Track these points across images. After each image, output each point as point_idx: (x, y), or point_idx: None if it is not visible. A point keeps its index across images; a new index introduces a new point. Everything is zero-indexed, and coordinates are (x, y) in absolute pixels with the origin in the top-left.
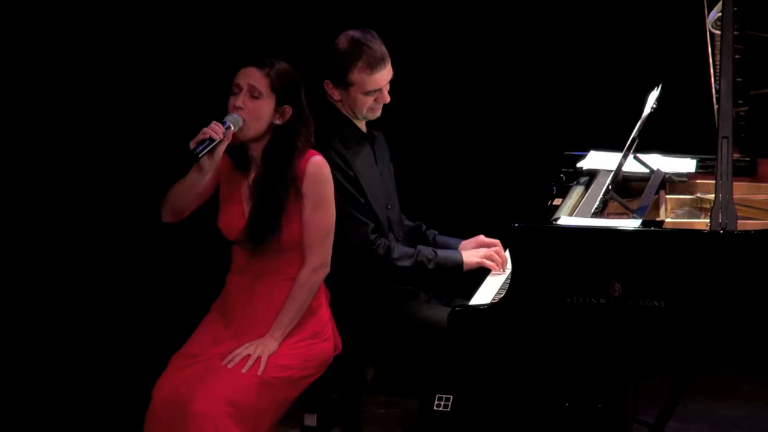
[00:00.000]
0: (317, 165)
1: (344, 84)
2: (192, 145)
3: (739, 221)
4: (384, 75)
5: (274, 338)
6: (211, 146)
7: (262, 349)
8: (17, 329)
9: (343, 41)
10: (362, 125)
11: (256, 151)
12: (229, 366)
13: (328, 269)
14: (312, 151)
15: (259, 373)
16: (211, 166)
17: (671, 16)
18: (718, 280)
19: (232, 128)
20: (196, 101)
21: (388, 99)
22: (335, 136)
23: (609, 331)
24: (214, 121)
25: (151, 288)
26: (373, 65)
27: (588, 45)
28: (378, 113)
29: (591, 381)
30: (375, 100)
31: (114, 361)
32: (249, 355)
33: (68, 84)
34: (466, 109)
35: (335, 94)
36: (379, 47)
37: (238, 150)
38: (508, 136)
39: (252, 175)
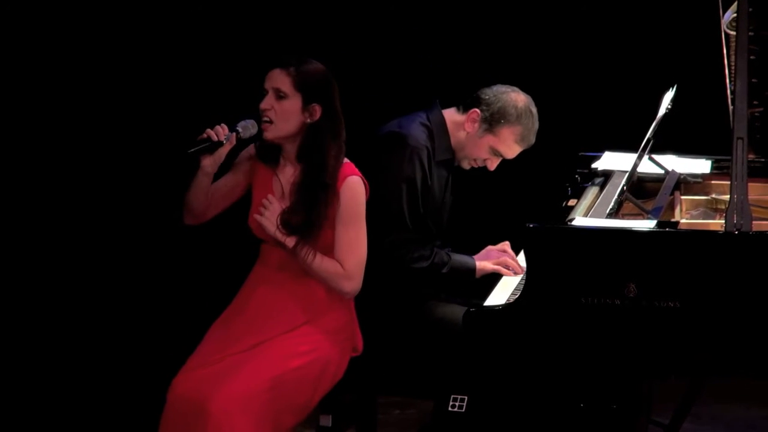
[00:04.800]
0: (353, 183)
1: (489, 128)
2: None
3: (754, 222)
4: (516, 152)
5: (282, 233)
6: (204, 146)
7: (270, 216)
8: (30, 331)
9: (520, 100)
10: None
11: (290, 151)
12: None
13: (354, 288)
14: (350, 166)
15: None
16: (212, 167)
17: (686, 16)
18: (733, 280)
19: (240, 132)
20: (210, 100)
21: (493, 168)
22: (432, 142)
23: (624, 331)
24: (222, 123)
25: (165, 287)
26: (524, 140)
27: (603, 46)
28: (467, 167)
29: (606, 382)
30: (485, 159)
31: (128, 362)
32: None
33: (77, 85)
34: None
35: (470, 126)
36: (536, 131)
37: (270, 150)
38: None
39: (285, 175)
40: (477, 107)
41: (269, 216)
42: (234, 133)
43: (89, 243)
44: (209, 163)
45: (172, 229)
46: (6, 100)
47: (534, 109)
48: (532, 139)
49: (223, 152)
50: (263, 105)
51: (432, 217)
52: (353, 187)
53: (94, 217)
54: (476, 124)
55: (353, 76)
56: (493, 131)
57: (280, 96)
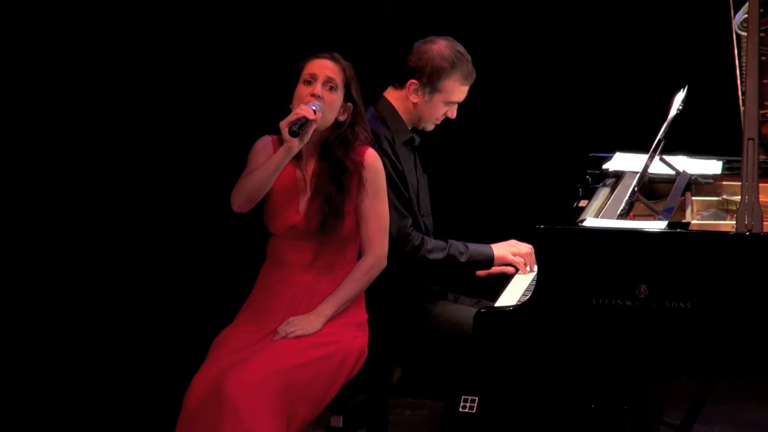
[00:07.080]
0: (374, 157)
1: (433, 89)
2: (285, 125)
3: (765, 223)
4: (467, 90)
5: (321, 315)
6: (306, 125)
7: (304, 326)
8: (42, 334)
9: (444, 48)
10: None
11: (315, 144)
12: (275, 338)
13: (385, 263)
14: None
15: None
16: (299, 147)
17: (697, 17)
18: (744, 281)
19: (319, 112)
20: (207, 100)
21: (455, 115)
22: (387, 127)
23: (635, 332)
24: (302, 104)
25: (175, 287)
26: (467, 78)
27: (614, 46)
28: (432, 128)
29: (617, 383)
30: (445, 113)
31: (141, 362)
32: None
33: (82, 84)
34: (491, 110)
35: (415, 96)
36: (471, 62)
37: None
38: (534, 137)
39: (307, 168)
40: (412, 77)
41: (300, 324)
42: (317, 113)
43: (100, 244)
44: (298, 143)
45: (182, 230)
46: (25, 101)
47: (460, 47)
48: (474, 72)
49: (310, 131)
50: (317, 91)
51: (415, 199)
52: (375, 159)
53: (109, 218)
54: (419, 93)
55: None
56: (438, 90)
57: (332, 87)
